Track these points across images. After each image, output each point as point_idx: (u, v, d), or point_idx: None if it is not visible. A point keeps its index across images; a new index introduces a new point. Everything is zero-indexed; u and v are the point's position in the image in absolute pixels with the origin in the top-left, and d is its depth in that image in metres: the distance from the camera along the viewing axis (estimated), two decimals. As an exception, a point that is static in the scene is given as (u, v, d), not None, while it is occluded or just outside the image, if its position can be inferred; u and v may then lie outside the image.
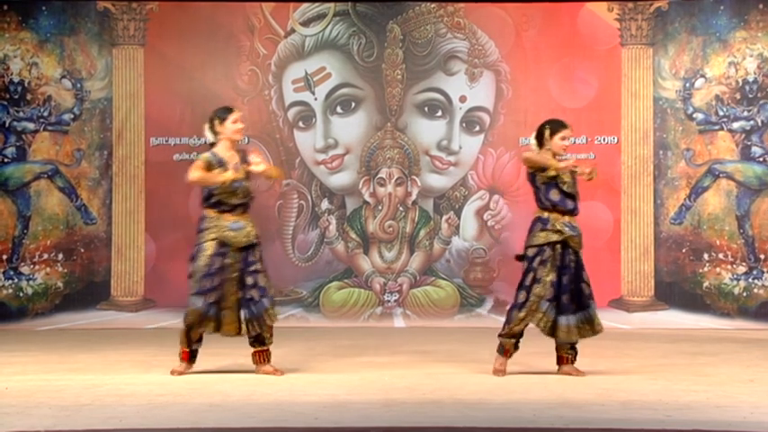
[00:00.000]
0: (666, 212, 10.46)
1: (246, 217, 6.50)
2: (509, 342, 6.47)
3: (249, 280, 6.42)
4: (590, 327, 6.47)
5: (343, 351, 8.03)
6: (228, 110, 6.62)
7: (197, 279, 6.36)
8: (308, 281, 10.54)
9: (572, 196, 6.50)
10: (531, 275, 6.43)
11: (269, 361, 6.54)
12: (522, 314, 6.40)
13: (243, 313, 6.41)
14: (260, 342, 6.51)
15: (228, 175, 6.34)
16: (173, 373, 6.45)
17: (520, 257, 6.58)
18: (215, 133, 6.54)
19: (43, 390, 5.87)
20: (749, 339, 9.14)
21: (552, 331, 6.41)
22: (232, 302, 6.38)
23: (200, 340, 6.51)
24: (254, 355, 6.55)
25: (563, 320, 6.39)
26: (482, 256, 10.49)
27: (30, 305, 10.37)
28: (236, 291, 6.40)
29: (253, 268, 6.43)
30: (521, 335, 6.51)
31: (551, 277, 6.38)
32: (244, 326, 6.40)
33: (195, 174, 6.37)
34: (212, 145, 6.57)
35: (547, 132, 6.56)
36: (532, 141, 6.70)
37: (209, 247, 6.37)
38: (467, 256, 10.50)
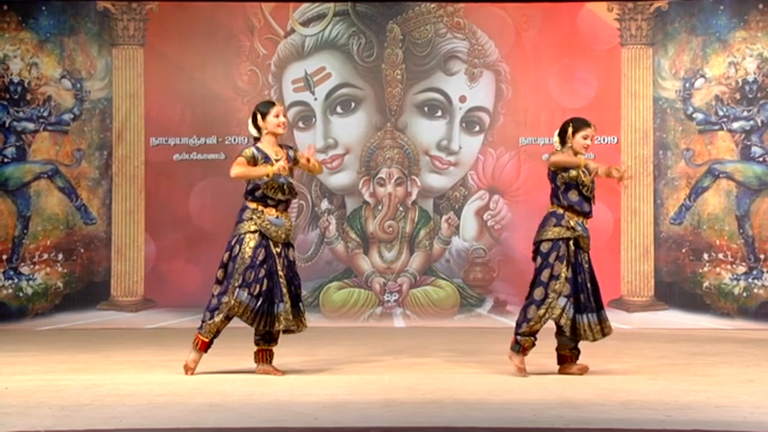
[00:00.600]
0: (666, 212, 10.46)
1: (287, 215, 6.49)
2: (528, 340, 6.41)
3: (294, 279, 6.48)
4: (600, 328, 6.45)
5: (342, 351, 8.02)
6: (270, 104, 6.61)
7: (240, 271, 6.31)
8: (308, 281, 10.51)
9: (589, 199, 6.51)
10: (547, 271, 6.39)
11: (271, 361, 6.54)
12: (541, 311, 6.36)
13: (298, 307, 6.46)
14: (267, 341, 6.50)
15: (271, 169, 6.33)
16: (187, 369, 6.36)
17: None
18: (258, 129, 6.51)
19: (43, 390, 5.87)
20: (749, 339, 9.14)
21: (573, 330, 6.37)
22: (286, 295, 6.34)
23: (218, 333, 6.45)
24: (257, 353, 6.53)
25: (584, 319, 6.37)
26: (482, 256, 10.50)
27: (30, 305, 10.37)
28: (288, 284, 6.38)
29: (295, 269, 6.50)
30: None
31: (567, 273, 6.36)
32: (293, 320, 6.38)
33: (237, 169, 6.36)
34: (256, 140, 6.53)
35: (570, 130, 6.56)
36: (555, 139, 6.67)
37: (252, 239, 6.34)
38: (467, 256, 10.50)
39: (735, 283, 10.30)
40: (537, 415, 5.08)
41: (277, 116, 6.51)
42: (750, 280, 10.28)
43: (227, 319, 6.36)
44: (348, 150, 10.58)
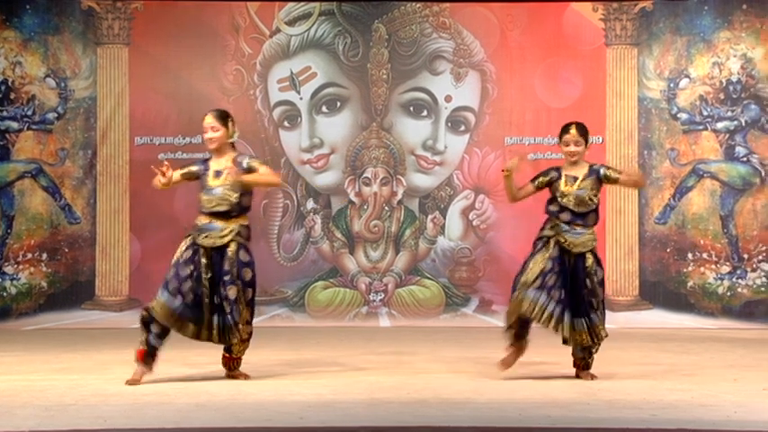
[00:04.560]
0: (651, 212, 10.49)
1: (228, 221, 6.23)
2: (509, 334, 6.38)
3: (222, 290, 6.17)
4: (589, 333, 6.33)
5: (328, 351, 8.02)
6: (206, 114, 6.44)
7: (169, 275, 6.20)
8: (294, 280, 10.53)
9: (569, 209, 6.37)
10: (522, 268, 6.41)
11: (236, 366, 6.40)
12: (509, 307, 6.36)
13: (216, 319, 6.19)
14: (227, 348, 6.36)
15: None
16: (131, 383, 6.09)
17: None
18: None
19: (27, 390, 5.85)
20: (733, 339, 9.18)
21: (556, 325, 6.29)
22: (206, 306, 6.15)
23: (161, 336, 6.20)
24: (222, 358, 6.45)
25: (566, 318, 6.30)
26: (467, 255, 10.50)
27: (14, 305, 10.32)
28: (210, 293, 6.16)
29: (228, 277, 6.17)
30: (522, 327, 6.35)
31: (541, 266, 6.31)
32: (216, 334, 6.20)
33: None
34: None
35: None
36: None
37: (184, 243, 6.28)
38: (452, 255, 10.51)
39: (719, 282, 10.34)
40: (523, 414, 5.09)
41: (204, 131, 6.41)
42: (734, 279, 10.32)
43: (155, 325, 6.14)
44: (333, 150, 10.57)
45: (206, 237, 6.21)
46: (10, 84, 10.36)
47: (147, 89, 10.48)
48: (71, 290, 10.36)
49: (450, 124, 10.56)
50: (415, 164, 10.55)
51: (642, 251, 10.46)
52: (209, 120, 6.39)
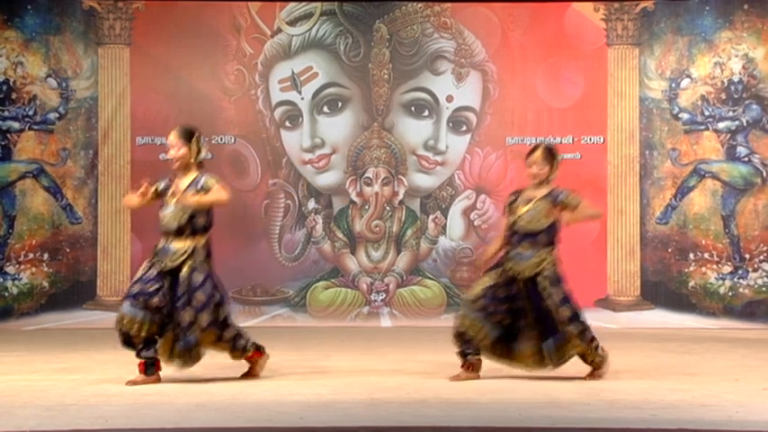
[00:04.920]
0: (652, 212, 10.49)
1: (184, 241, 6.12)
2: (457, 352, 6.36)
3: (176, 315, 6.08)
4: (558, 354, 6.22)
5: (329, 351, 8.02)
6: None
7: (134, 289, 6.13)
8: (295, 280, 10.53)
9: (517, 231, 6.30)
10: None
11: (256, 363, 6.42)
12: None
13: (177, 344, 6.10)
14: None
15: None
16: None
17: None
18: None
19: (28, 390, 5.85)
20: (735, 339, 9.18)
21: (496, 352, 6.27)
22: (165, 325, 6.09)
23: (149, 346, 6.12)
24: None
25: (515, 346, 6.25)
26: (469, 255, 10.50)
27: (15, 305, 10.33)
28: (167, 314, 6.09)
29: (180, 303, 6.05)
30: (465, 344, 6.29)
31: (484, 286, 6.27)
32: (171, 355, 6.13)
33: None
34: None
35: None
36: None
37: (146, 264, 6.22)
38: (453, 255, 10.51)
39: (720, 282, 10.33)
40: (523, 414, 5.09)
41: (167, 149, 6.34)
42: (735, 279, 10.31)
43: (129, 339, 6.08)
44: (335, 150, 10.57)
45: (159, 261, 6.15)
46: (11, 84, 10.36)
47: (148, 89, 10.48)
48: (72, 290, 10.37)
49: (451, 124, 10.56)
50: (417, 164, 10.55)
51: (644, 251, 10.45)
52: (172, 138, 6.27)
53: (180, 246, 6.13)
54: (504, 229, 6.52)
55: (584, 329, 6.27)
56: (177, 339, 6.09)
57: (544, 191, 6.35)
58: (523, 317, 6.28)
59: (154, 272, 6.15)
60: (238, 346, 6.24)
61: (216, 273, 6.25)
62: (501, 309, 6.26)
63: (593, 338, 6.31)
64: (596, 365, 6.37)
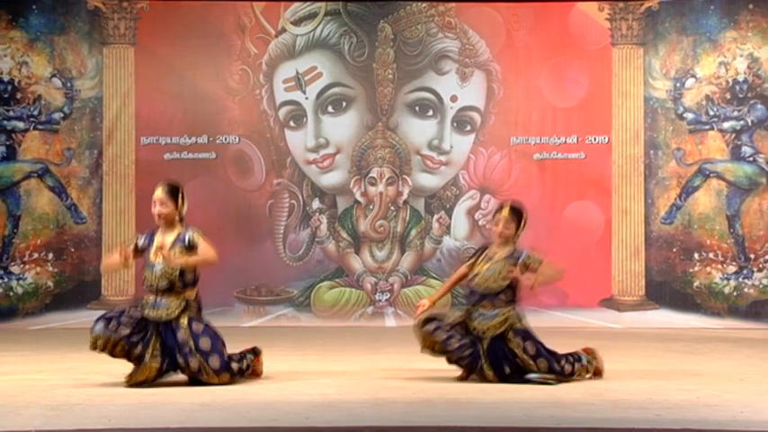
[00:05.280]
0: (657, 212, 10.48)
1: (175, 295, 6.03)
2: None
3: (181, 360, 5.99)
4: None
5: (333, 350, 8.02)
6: (155, 189, 6.19)
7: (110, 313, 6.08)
8: (299, 280, 10.53)
9: (471, 287, 6.27)
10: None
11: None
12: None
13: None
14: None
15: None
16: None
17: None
18: None
19: (33, 389, 5.86)
20: (739, 339, 9.16)
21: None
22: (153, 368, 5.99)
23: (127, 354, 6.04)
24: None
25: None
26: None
27: (20, 305, 10.34)
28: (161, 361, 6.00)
29: (186, 349, 5.98)
30: (443, 355, 6.27)
31: (442, 317, 6.27)
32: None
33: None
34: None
35: None
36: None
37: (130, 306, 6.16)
38: (458, 255, 10.50)
39: (725, 282, 10.32)
40: (528, 414, 5.08)
41: (153, 205, 6.14)
42: (740, 279, 10.30)
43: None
44: (339, 150, 10.57)
45: (153, 311, 6.04)
46: (16, 84, 10.38)
47: (152, 89, 10.49)
48: (77, 289, 10.38)
49: (455, 124, 10.56)
50: (421, 164, 10.55)
51: (648, 251, 10.45)
52: (159, 194, 6.15)
53: (173, 301, 6.04)
54: (453, 277, 6.48)
55: (563, 372, 6.13)
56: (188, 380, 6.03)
57: (507, 250, 6.26)
58: (481, 366, 6.15)
59: (138, 314, 6.05)
60: (245, 371, 6.22)
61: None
62: (456, 335, 6.19)
63: (573, 372, 6.18)
64: (597, 373, 6.35)
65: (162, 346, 5.99)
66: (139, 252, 6.19)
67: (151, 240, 6.15)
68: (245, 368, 6.21)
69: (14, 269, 10.36)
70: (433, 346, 6.22)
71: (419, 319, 6.25)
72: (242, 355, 6.26)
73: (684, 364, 7.23)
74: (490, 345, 6.14)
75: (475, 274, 6.29)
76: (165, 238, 6.11)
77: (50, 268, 10.39)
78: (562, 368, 6.15)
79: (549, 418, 5.00)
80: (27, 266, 10.36)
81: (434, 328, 6.19)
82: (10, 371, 6.76)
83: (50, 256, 10.39)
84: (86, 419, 4.93)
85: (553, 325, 9.93)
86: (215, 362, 6.01)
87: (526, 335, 6.19)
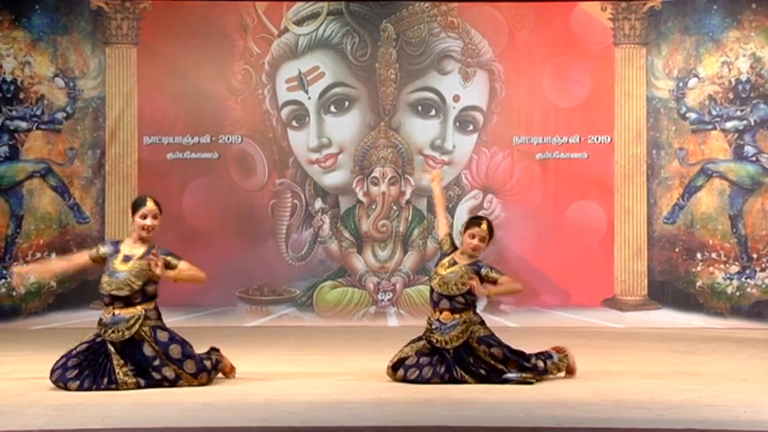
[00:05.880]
0: (660, 212, 10.47)
1: (131, 308, 6.02)
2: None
3: (156, 374, 5.93)
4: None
5: (336, 350, 8.02)
6: (142, 202, 6.18)
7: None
8: (302, 280, 10.53)
9: (432, 285, 6.32)
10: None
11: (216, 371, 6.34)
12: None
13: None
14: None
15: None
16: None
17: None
18: (131, 223, 6.22)
19: (36, 389, 5.86)
20: (742, 338, 9.16)
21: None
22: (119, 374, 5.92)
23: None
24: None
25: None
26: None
27: (23, 304, 10.35)
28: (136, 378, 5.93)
29: (157, 362, 5.94)
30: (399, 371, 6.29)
31: (404, 355, 6.28)
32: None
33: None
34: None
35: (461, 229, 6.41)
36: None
37: (83, 341, 6.10)
38: (460, 255, 10.48)
39: (728, 282, 10.31)
40: (529, 414, 5.08)
41: (143, 217, 6.12)
42: (743, 279, 10.29)
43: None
44: (342, 149, 10.57)
45: (113, 332, 5.99)
46: (19, 83, 10.39)
47: (155, 89, 10.50)
48: (80, 289, 10.38)
49: (458, 124, 10.56)
50: (424, 163, 10.55)
51: (651, 251, 10.44)
52: (152, 206, 6.15)
53: (130, 313, 6.02)
54: (441, 224, 6.55)
55: (536, 369, 6.16)
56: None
57: (471, 259, 6.33)
58: (461, 375, 6.16)
59: (83, 347, 6.01)
60: (217, 366, 6.21)
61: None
62: (426, 365, 6.21)
63: (545, 368, 6.21)
64: (569, 371, 6.35)
65: (132, 363, 5.92)
66: (101, 260, 6.18)
67: (116, 249, 6.15)
68: (215, 363, 6.20)
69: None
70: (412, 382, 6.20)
71: (388, 367, 6.27)
72: (207, 354, 6.25)
73: (687, 364, 7.23)
74: (456, 354, 6.19)
75: (437, 273, 6.34)
76: (133, 250, 6.11)
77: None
78: (534, 366, 6.20)
79: (550, 417, 5.00)
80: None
81: (404, 372, 6.22)
82: (13, 371, 6.77)
83: (53, 255, 10.40)
84: (88, 419, 4.94)
85: (555, 325, 9.95)
86: (190, 366, 6.00)
87: (490, 341, 6.24)
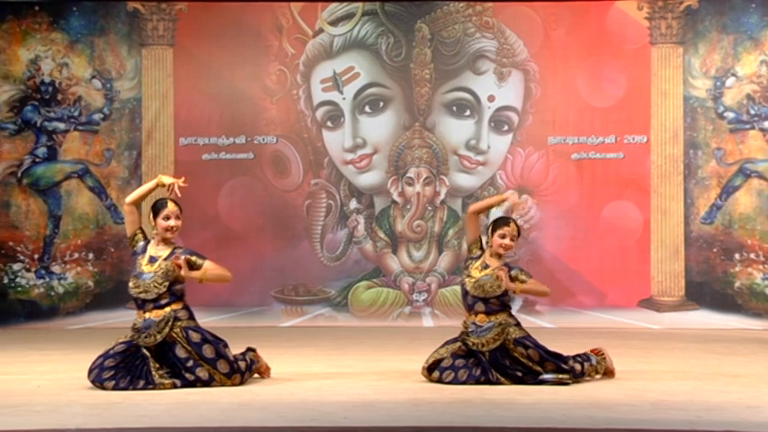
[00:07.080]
0: (697, 212, 10.39)
1: (160, 310, 6.05)
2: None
3: (190, 375, 5.96)
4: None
5: (371, 350, 8.03)
6: (163, 204, 6.16)
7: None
8: (337, 280, 10.55)
9: (466, 289, 6.31)
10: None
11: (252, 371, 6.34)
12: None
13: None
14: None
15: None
16: None
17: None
18: (153, 227, 6.17)
19: (74, 388, 5.91)
20: (781, 340, 9.07)
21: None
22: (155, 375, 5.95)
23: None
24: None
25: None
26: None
27: (61, 304, 10.45)
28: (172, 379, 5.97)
29: (190, 363, 5.97)
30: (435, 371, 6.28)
31: (439, 356, 6.28)
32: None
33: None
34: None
35: (489, 229, 6.43)
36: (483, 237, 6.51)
37: (119, 342, 6.12)
38: (495, 255, 10.45)
39: (766, 282, 10.22)
40: (566, 415, 5.06)
41: (166, 218, 6.10)
42: (782, 280, 10.20)
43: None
44: (377, 150, 10.58)
45: (146, 336, 6.03)
46: (57, 85, 10.48)
47: (191, 90, 10.56)
48: (117, 289, 10.45)
49: (493, 124, 10.53)
50: (458, 164, 10.54)
51: (688, 251, 10.36)
52: (174, 207, 6.14)
53: (160, 315, 6.05)
54: (474, 226, 6.49)
55: (573, 371, 6.14)
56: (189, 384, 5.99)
57: (500, 261, 6.37)
58: (497, 378, 6.15)
59: (121, 347, 6.05)
60: (251, 367, 6.22)
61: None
62: (461, 367, 6.20)
63: (583, 371, 6.19)
64: (607, 373, 6.32)
65: (166, 365, 5.97)
66: (134, 245, 6.17)
67: (145, 249, 6.17)
68: (249, 364, 6.21)
69: (55, 269, 10.46)
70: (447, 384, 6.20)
71: (424, 368, 6.29)
72: (243, 354, 6.26)
73: (725, 365, 7.16)
74: (492, 356, 6.19)
75: (470, 276, 6.35)
76: (158, 252, 6.12)
77: (90, 268, 10.48)
78: (572, 368, 6.17)
79: (587, 418, 4.97)
80: (68, 266, 10.47)
81: (439, 374, 6.22)
82: (51, 369, 6.84)
83: (90, 255, 10.49)
84: (126, 418, 4.97)
85: (592, 325, 9.90)
86: (224, 366, 6.02)
87: (526, 343, 6.22)
